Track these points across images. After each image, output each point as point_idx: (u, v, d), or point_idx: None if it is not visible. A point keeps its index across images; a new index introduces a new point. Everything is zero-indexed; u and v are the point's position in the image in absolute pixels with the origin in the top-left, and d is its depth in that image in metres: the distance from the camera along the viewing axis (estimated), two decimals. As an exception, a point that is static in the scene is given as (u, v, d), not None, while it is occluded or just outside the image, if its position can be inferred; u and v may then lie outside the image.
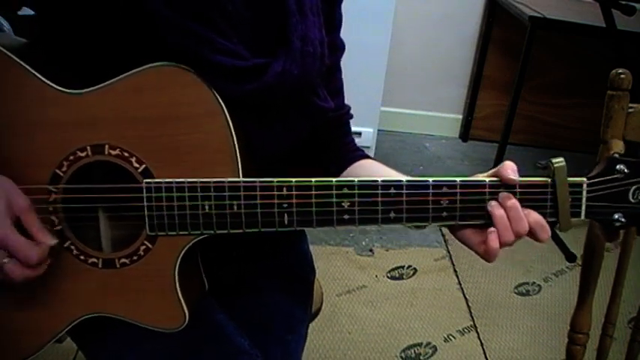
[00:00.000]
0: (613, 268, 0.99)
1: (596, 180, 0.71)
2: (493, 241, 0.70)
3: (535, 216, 0.70)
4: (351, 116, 0.94)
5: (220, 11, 0.72)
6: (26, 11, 0.87)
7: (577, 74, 2.98)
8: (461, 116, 3.17)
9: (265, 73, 0.73)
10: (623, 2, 1.92)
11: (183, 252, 0.74)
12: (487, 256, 0.72)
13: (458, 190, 0.71)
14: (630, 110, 0.91)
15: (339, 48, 0.90)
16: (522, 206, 0.70)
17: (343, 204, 0.71)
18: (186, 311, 0.76)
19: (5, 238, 0.67)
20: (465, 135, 3.16)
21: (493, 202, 0.71)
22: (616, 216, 0.72)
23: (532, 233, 0.71)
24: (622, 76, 0.89)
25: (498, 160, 2.61)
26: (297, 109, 0.80)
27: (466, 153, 3.05)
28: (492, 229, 0.70)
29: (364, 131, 2.49)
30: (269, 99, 0.75)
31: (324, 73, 0.82)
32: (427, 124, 3.16)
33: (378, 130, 2.65)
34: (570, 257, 2.24)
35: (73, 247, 0.75)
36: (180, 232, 0.73)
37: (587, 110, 2.99)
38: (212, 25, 0.71)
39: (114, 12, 0.71)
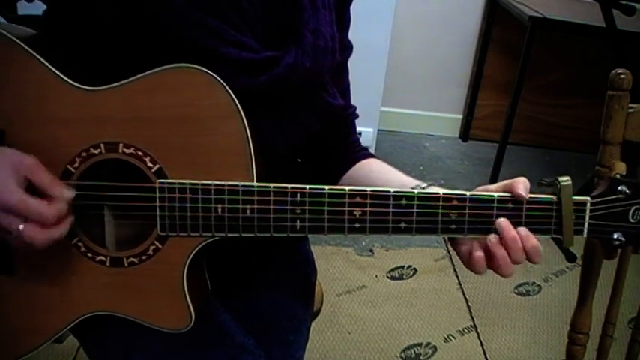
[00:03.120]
0: (613, 268, 0.99)
1: (598, 200, 0.73)
2: (481, 266, 0.74)
3: (533, 242, 0.72)
4: (357, 116, 0.95)
5: (233, 4, 0.73)
6: (26, 11, 0.87)
7: (577, 74, 2.98)
8: (461, 116, 3.17)
9: (277, 66, 0.73)
10: (623, 2, 1.92)
11: (193, 253, 0.74)
12: (473, 269, 0.75)
13: (467, 204, 0.72)
14: (630, 110, 0.91)
15: (347, 48, 0.90)
16: (527, 222, 0.72)
17: (355, 212, 0.72)
18: (193, 312, 0.76)
19: (16, 203, 0.65)
20: (464, 135, 3.16)
21: (493, 240, 0.72)
22: (615, 235, 0.74)
23: (527, 256, 0.72)
24: (622, 76, 0.89)
25: (498, 160, 2.61)
26: (307, 104, 0.80)
27: (466, 153, 3.05)
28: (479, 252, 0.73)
29: (364, 131, 2.49)
30: (280, 91, 0.76)
31: (333, 72, 0.83)
32: (427, 124, 3.16)
33: (378, 130, 2.65)
34: (570, 257, 2.24)
35: (80, 243, 0.75)
36: (192, 234, 0.73)
37: (587, 110, 2.99)
38: (224, 17, 0.72)
39: (113, 8, 0.71)
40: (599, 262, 0.98)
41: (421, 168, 2.83)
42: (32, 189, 0.68)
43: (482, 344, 1.83)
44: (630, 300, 1.24)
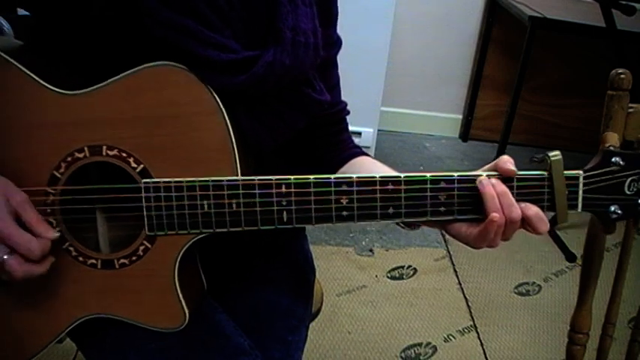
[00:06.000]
0: (613, 268, 0.99)
1: (592, 172, 0.72)
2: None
3: (534, 208, 0.70)
4: (348, 112, 0.94)
5: (212, 5, 0.72)
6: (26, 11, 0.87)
7: (577, 74, 2.98)
8: (461, 116, 3.17)
9: (255, 65, 0.73)
10: (623, 2, 1.92)
11: (182, 251, 0.74)
12: (482, 237, 0.71)
13: (455, 185, 0.71)
14: (630, 110, 0.91)
15: (335, 43, 0.89)
16: (519, 200, 0.71)
17: (342, 200, 0.71)
18: (187, 310, 0.76)
19: (6, 232, 0.66)
20: (464, 135, 3.16)
21: (483, 180, 0.70)
22: (612, 208, 0.73)
23: (531, 225, 0.71)
24: (622, 76, 0.89)
25: (498, 160, 2.60)
26: (291, 101, 0.79)
27: (466, 153, 3.05)
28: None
29: (364, 131, 2.49)
30: (260, 90, 0.75)
31: (320, 68, 0.82)
32: (427, 124, 3.16)
33: (378, 130, 2.64)
34: (570, 257, 2.24)
35: (71, 248, 0.74)
36: (180, 232, 0.73)
37: (587, 110, 2.99)
38: (203, 19, 0.71)
39: (106, 9, 0.71)
40: (599, 262, 0.98)
41: (421, 168, 2.83)
42: (19, 224, 0.68)
43: (482, 344, 1.82)
44: (630, 300, 1.24)
